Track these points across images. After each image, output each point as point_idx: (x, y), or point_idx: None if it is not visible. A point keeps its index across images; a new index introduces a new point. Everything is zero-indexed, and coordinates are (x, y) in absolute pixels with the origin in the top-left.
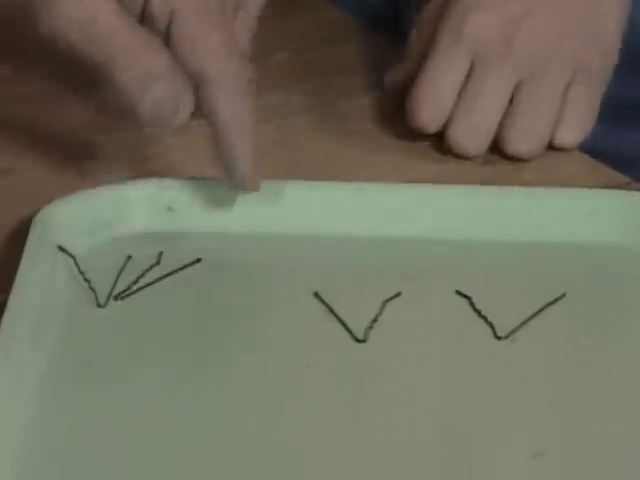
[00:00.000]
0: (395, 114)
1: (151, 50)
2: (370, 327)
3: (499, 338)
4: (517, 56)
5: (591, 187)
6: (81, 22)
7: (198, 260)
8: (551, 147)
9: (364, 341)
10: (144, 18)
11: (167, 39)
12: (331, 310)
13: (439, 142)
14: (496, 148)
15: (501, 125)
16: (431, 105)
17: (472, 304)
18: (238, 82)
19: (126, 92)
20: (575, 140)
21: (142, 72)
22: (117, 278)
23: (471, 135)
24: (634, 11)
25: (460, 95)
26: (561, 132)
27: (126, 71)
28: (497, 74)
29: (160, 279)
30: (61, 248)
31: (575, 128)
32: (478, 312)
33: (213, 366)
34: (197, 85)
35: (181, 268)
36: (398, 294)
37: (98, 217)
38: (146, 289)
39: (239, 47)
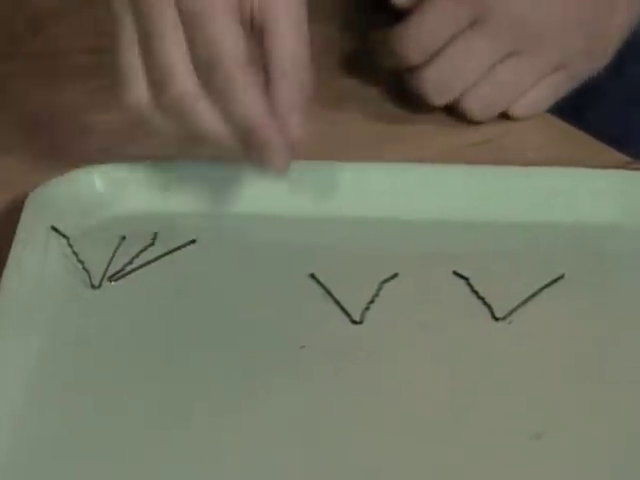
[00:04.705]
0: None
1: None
2: (367, 308)
3: (497, 319)
4: (516, 31)
5: (592, 167)
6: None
7: (193, 241)
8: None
9: (360, 322)
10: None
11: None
12: (328, 292)
13: (437, 121)
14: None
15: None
16: (417, 38)
17: (470, 285)
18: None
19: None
20: (522, 117)
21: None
22: (111, 259)
23: (437, 88)
24: None
25: (447, 45)
26: (514, 109)
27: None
28: (489, 41)
29: (154, 260)
30: (54, 229)
31: (529, 111)
32: (476, 293)
33: (209, 347)
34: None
35: (176, 249)
36: (395, 275)
37: (92, 198)
38: (140, 270)
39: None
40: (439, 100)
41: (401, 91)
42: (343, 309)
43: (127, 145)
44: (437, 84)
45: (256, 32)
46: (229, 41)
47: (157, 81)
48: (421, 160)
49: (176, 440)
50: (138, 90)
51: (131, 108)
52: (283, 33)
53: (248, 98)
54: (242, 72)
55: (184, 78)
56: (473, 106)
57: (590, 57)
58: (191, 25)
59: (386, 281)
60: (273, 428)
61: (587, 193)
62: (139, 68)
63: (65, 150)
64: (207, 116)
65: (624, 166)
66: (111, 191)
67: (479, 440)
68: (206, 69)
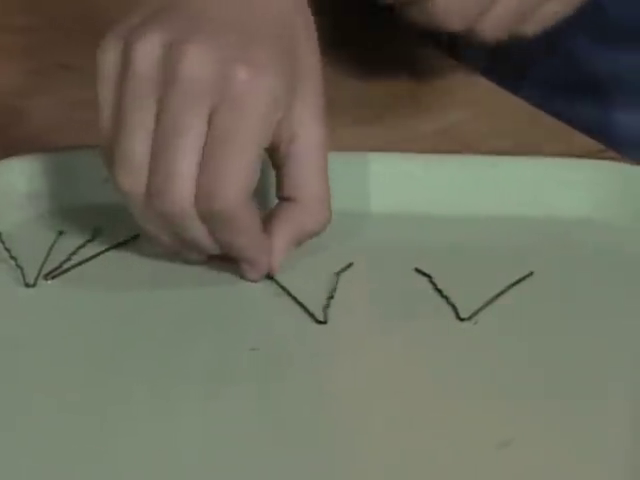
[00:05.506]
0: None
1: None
2: (327, 306)
3: (462, 319)
4: None
5: (561, 155)
6: None
7: (136, 236)
8: None
9: (325, 322)
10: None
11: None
12: (288, 293)
13: (399, 107)
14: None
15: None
16: None
17: (433, 283)
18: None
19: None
20: (530, 36)
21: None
22: (47, 256)
23: (456, 12)
24: None
25: None
26: (524, 29)
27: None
28: None
29: (94, 257)
30: None
31: (537, 29)
32: (439, 292)
33: (152, 349)
34: None
35: (117, 245)
36: (350, 265)
37: (26, 189)
38: (79, 268)
39: None
40: (458, 25)
41: (365, 78)
42: (306, 310)
43: (65, 132)
44: (453, 8)
45: (277, 156)
46: (243, 176)
47: (157, 183)
48: (382, 148)
49: (116, 444)
50: (136, 179)
51: (122, 193)
52: (304, 177)
53: (244, 236)
54: (245, 211)
55: (184, 194)
56: (487, 27)
57: None
58: (216, 141)
59: (341, 272)
60: (222, 433)
61: (557, 184)
62: (145, 159)
63: None
64: (196, 232)
65: (595, 154)
66: (47, 182)
67: (443, 448)
68: (207, 194)
